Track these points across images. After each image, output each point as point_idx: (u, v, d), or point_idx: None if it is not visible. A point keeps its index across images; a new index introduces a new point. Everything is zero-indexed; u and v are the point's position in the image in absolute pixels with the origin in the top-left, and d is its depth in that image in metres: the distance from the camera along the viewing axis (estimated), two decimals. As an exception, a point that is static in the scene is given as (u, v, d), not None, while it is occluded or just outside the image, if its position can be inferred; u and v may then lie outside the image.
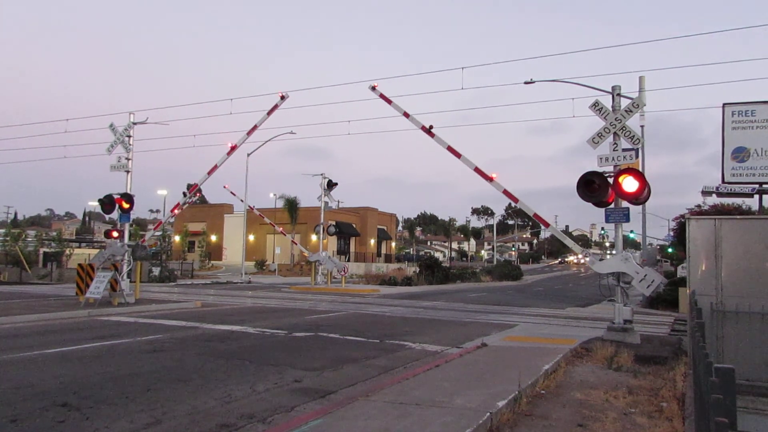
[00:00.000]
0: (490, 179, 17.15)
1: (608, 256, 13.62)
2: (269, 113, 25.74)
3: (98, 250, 28.83)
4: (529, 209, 16.30)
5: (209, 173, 25.35)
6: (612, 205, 12.74)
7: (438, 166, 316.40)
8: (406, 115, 21.02)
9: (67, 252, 47.28)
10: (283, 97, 25.36)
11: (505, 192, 17.54)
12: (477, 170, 17.25)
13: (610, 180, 12.45)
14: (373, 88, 22.06)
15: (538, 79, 24.04)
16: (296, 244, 46.55)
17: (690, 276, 10.59)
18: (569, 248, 18.62)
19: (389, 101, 21.98)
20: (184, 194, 25.59)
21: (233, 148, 25.56)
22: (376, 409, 6.35)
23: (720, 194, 22.08)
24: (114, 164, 21.56)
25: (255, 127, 25.71)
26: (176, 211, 27.55)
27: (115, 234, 20.99)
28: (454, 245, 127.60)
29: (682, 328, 16.37)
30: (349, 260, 62.76)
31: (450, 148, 18.04)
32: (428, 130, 19.13)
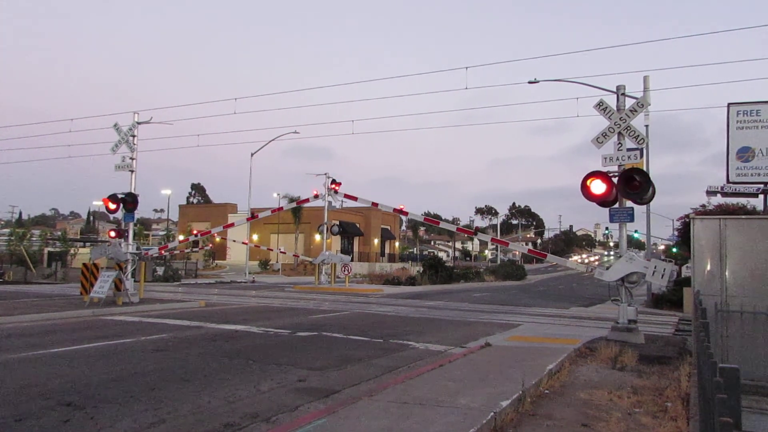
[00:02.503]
0: (473, 233, 20.72)
1: (606, 258, 13.68)
2: (299, 203, 31.02)
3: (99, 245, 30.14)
4: (522, 246, 18.39)
5: (225, 227, 31.43)
6: (616, 205, 12.71)
7: (442, 166, 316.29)
8: (375, 204, 24.40)
9: (72, 251, 47.50)
10: (317, 196, 29.67)
11: (494, 239, 21.61)
12: (459, 229, 20.13)
13: (615, 180, 12.42)
14: (336, 191, 27.20)
15: (542, 79, 23.97)
16: (298, 257, 46.88)
17: (694, 276, 10.55)
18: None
19: (355, 198, 26.46)
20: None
21: (255, 216, 29.83)
22: (379, 408, 6.36)
23: (725, 194, 22.02)
24: (118, 164, 21.60)
25: (281, 208, 31.15)
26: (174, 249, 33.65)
27: (117, 234, 21.04)
28: (458, 245, 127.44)
29: (687, 328, 16.34)
30: (352, 260, 62.68)
31: (427, 219, 21.33)
32: (401, 211, 21.84)
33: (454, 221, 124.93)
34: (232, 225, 31.82)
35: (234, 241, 51.55)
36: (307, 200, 30.26)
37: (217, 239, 68.93)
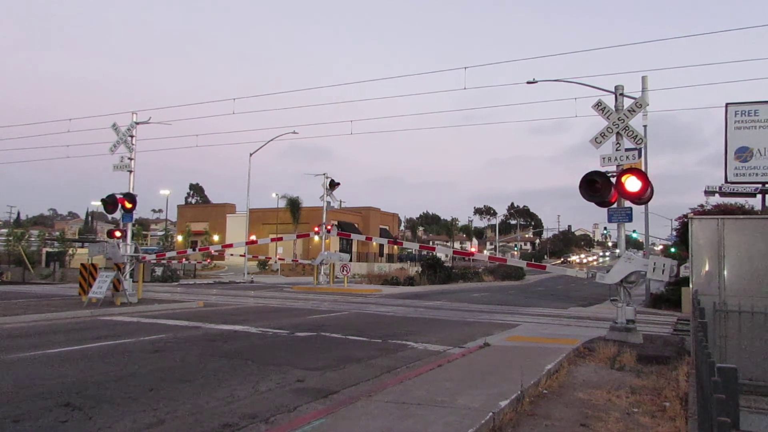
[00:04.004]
0: (471, 254, 23.44)
1: (602, 259, 13.77)
2: (299, 236, 36.58)
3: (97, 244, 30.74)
4: (520, 262, 19.51)
5: (224, 247, 37.33)
6: (615, 205, 12.72)
7: (440, 165, 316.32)
8: (369, 238, 28.89)
9: (70, 252, 47.44)
10: (317, 232, 33.41)
11: (491, 257, 24.82)
12: (456, 252, 22.50)
13: (613, 180, 12.43)
14: (328, 231, 29.80)
15: (541, 79, 23.96)
16: (297, 261, 47.15)
17: (693, 276, 10.55)
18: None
19: (348, 235, 31.79)
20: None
21: (254, 242, 33.08)
22: (378, 408, 6.36)
23: (723, 194, 22.05)
24: (117, 164, 21.58)
25: (280, 238, 35.66)
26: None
27: (117, 234, 21.05)
28: (456, 245, 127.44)
29: (685, 327, 16.35)
30: (351, 260, 62.61)
31: (422, 245, 24.47)
32: (395, 241, 24.38)
33: (453, 221, 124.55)
34: (230, 246, 33.78)
35: (232, 255, 51.83)
36: (307, 235, 32.43)
37: (216, 239, 69.00)
